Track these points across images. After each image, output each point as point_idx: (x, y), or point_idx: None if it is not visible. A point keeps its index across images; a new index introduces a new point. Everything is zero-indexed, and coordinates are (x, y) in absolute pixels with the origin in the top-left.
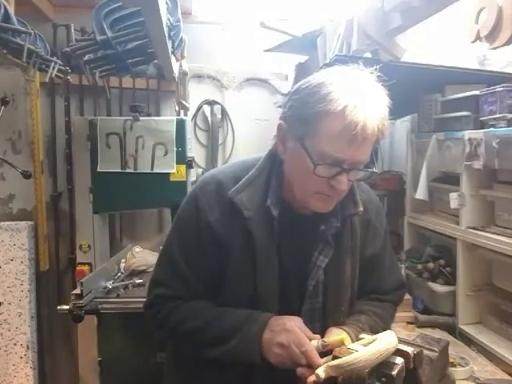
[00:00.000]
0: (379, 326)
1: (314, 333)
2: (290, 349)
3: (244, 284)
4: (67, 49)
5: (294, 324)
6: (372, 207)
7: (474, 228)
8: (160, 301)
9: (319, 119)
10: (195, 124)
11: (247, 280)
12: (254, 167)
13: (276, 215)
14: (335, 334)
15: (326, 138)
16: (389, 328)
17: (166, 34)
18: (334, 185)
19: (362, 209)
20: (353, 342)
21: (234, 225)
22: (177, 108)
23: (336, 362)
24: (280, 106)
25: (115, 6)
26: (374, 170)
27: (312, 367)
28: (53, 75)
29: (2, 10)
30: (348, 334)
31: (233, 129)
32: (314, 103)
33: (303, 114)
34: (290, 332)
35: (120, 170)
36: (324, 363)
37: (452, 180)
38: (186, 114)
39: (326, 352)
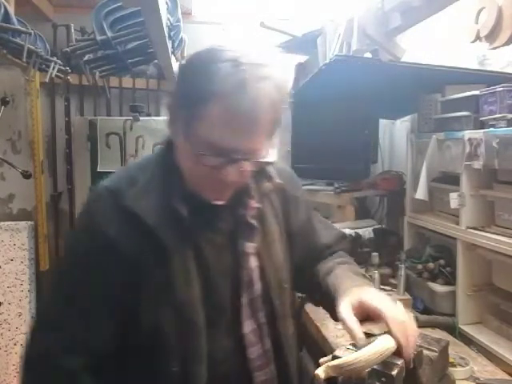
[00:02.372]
0: (355, 268)
1: (260, 323)
2: None
3: (163, 305)
4: (67, 49)
5: None
6: (286, 178)
7: (474, 228)
8: (34, 353)
9: (203, 103)
10: None
11: (166, 300)
12: (152, 164)
13: (186, 214)
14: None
15: (209, 124)
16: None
17: (166, 34)
18: (220, 176)
19: (279, 181)
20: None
21: (139, 238)
22: None
23: (336, 362)
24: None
25: (115, 5)
26: (270, 160)
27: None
28: (53, 75)
29: (2, 10)
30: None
31: None
32: (198, 84)
33: (187, 95)
34: None
35: None
36: (324, 363)
37: (452, 180)
38: None
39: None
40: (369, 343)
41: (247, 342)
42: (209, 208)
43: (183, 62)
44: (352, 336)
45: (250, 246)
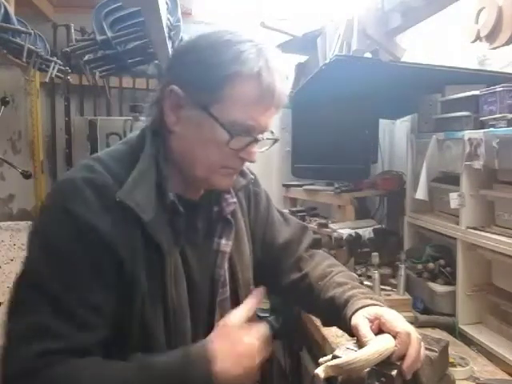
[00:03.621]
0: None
1: None
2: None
3: (154, 303)
4: (67, 49)
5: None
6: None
7: (474, 228)
8: (40, 364)
9: (231, 83)
10: None
11: (156, 298)
12: (133, 157)
13: (183, 211)
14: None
15: (239, 105)
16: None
17: (166, 34)
18: (245, 156)
19: (252, 176)
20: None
21: (130, 233)
22: None
23: (335, 361)
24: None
25: (115, 5)
26: (277, 137)
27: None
28: (53, 75)
29: (2, 10)
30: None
31: None
32: (224, 65)
33: (208, 78)
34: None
35: None
36: (324, 362)
37: (452, 180)
38: None
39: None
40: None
41: None
42: (188, 204)
43: (185, 47)
44: (361, 341)
45: (227, 245)
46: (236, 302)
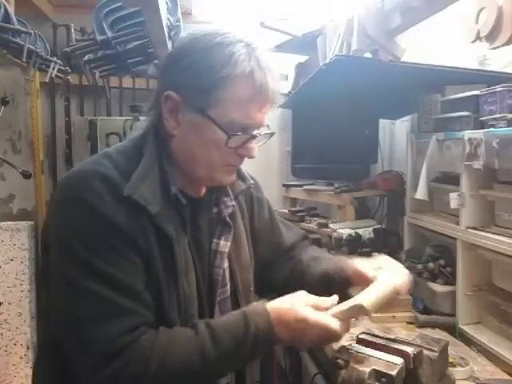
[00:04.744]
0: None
1: None
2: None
3: (169, 291)
4: (67, 49)
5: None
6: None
7: (474, 228)
8: (126, 341)
9: (225, 85)
10: None
11: (170, 286)
12: (138, 154)
13: (185, 203)
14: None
15: (234, 105)
16: None
17: (166, 34)
18: (244, 153)
19: (252, 181)
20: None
21: (141, 225)
22: None
23: (343, 305)
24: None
25: (115, 5)
26: (273, 130)
27: None
28: (53, 75)
29: (2, 10)
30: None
31: None
32: (217, 67)
33: (202, 81)
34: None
35: None
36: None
37: (452, 180)
38: None
39: None
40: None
41: None
42: (191, 201)
43: (178, 51)
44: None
45: (226, 245)
46: (236, 302)
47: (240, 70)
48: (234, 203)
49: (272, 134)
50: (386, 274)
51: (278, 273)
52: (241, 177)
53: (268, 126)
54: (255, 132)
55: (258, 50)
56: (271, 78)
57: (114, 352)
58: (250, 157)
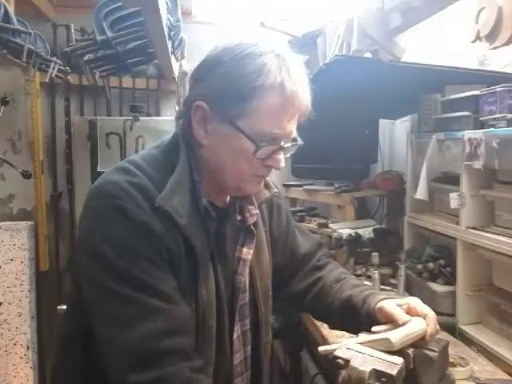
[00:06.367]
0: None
1: (244, 330)
2: None
3: (189, 301)
4: (67, 49)
5: None
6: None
7: (474, 228)
8: (165, 346)
9: (256, 95)
10: None
11: (191, 297)
12: (168, 163)
13: (215, 215)
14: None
15: (265, 116)
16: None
17: (166, 34)
18: (272, 164)
19: (276, 190)
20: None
21: (172, 234)
22: (177, 108)
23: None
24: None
25: (115, 5)
26: (300, 141)
27: None
28: (53, 75)
29: (2, 10)
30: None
31: None
32: (248, 78)
33: (234, 91)
34: None
35: None
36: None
37: (452, 180)
38: None
39: None
40: (368, 341)
41: (234, 348)
42: (217, 211)
43: (210, 62)
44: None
45: (249, 253)
46: (255, 308)
47: (271, 81)
48: (257, 211)
49: (299, 146)
50: (420, 320)
51: (297, 282)
52: (266, 185)
53: (296, 138)
54: (283, 143)
55: (289, 61)
56: (301, 88)
57: (152, 353)
58: (277, 168)
